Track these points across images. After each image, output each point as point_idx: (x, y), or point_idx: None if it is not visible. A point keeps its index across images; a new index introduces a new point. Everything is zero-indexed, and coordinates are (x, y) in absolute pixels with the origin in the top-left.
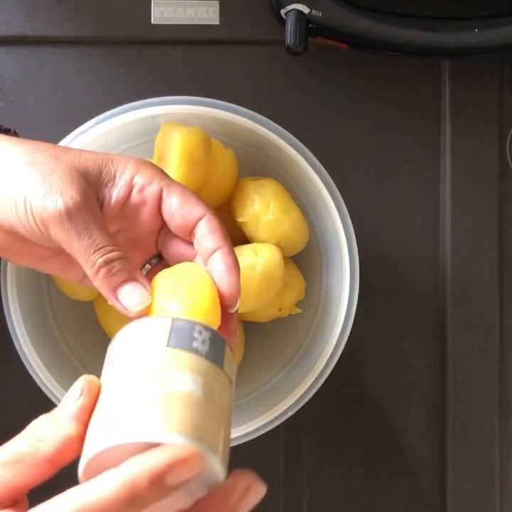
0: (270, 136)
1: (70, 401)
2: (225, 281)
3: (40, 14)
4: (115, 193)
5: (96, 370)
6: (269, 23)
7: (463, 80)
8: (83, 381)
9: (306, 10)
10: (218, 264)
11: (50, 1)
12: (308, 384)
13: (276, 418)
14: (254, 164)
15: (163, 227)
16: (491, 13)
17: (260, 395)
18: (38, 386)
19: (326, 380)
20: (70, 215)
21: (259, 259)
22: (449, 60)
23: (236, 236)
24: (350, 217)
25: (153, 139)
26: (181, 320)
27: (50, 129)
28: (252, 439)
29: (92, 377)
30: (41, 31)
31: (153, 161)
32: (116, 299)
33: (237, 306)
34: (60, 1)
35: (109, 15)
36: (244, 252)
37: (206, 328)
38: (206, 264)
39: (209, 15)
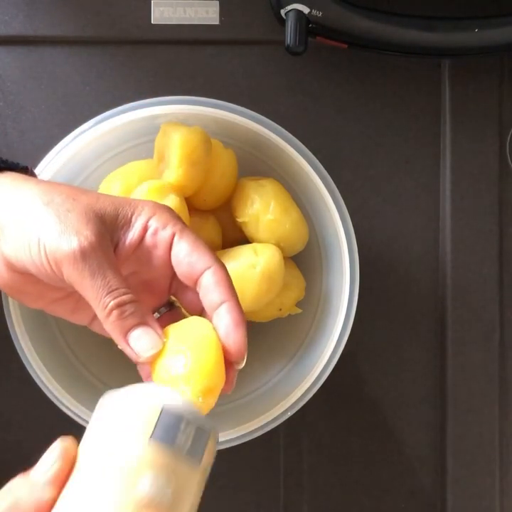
0: (270, 136)
1: (45, 465)
2: (231, 338)
3: (40, 14)
4: (130, 235)
5: (96, 369)
6: (269, 23)
7: (463, 80)
8: (59, 447)
9: (306, 10)
10: (224, 319)
11: (50, 1)
12: (308, 384)
13: (276, 418)
14: (254, 164)
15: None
16: (491, 13)
17: (260, 395)
18: (38, 386)
19: (326, 380)
20: (84, 255)
21: (259, 259)
22: (449, 60)
23: (236, 236)
24: (350, 217)
25: (153, 139)
26: (171, 408)
27: (50, 129)
28: (252, 439)
29: (68, 443)
30: (41, 31)
31: (153, 161)
32: (127, 343)
33: (244, 362)
34: (60, 1)
35: (109, 15)
36: (244, 252)
37: (195, 418)
38: (212, 318)
39: (209, 15)
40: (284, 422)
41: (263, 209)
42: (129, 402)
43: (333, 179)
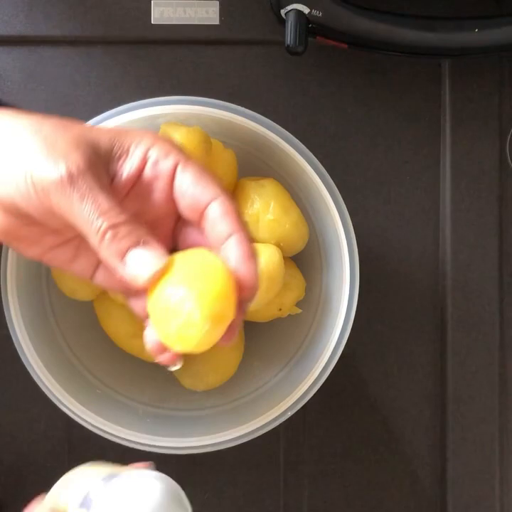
0: (270, 136)
1: None
2: (242, 270)
3: (40, 14)
4: (127, 166)
5: (96, 369)
6: (269, 23)
7: (463, 80)
8: None
9: (306, 10)
10: (233, 252)
11: (50, 1)
12: (308, 384)
13: (276, 418)
14: (254, 164)
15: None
16: (491, 13)
17: (260, 395)
18: (37, 386)
19: (326, 380)
20: (72, 179)
21: (259, 259)
22: (449, 60)
23: None
24: (350, 217)
25: None
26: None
27: None
28: (252, 439)
29: None
30: (41, 31)
31: None
32: (124, 267)
33: (255, 300)
34: (60, 1)
35: (109, 15)
36: None
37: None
38: (220, 252)
39: (209, 15)
40: (284, 422)
41: (263, 209)
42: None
43: (333, 179)
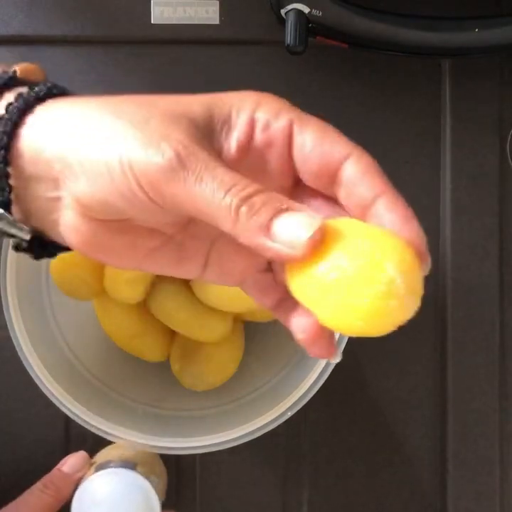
0: None
1: None
2: (407, 231)
3: (40, 14)
4: (234, 137)
5: (96, 369)
6: (269, 23)
7: (463, 80)
8: None
9: (306, 10)
10: (386, 216)
11: (50, 1)
12: (308, 384)
13: (276, 418)
14: None
15: (298, 183)
16: (491, 13)
17: (260, 395)
18: (37, 386)
19: (326, 380)
20: (182, 161)
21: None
22: (449, 60)
23: None
24: None
25: None
26: None
27: None
28: (252, 439)
29: None
30: (41, 31)
31: None
32: (272, 239)
33: (429, 266)
34: (60, 1)
35: (109, 15)
36: None
37: None
38: (366, 221)
39: (209, 15)
40: (284, 422)
41: None
42: None
43: None
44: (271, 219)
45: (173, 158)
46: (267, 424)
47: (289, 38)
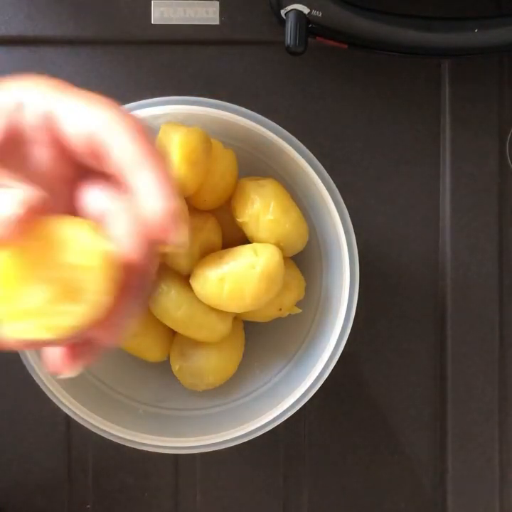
0: (270, 136)
1: None
2: (150, 200)
3: (40, 14)
4: None
5: (96, 370)
6: (269, 23)
7: (463, 80)
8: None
9: (306, 10)
10: (137, 180)
11: (50, 1)
12: (308, 384)
13: (276, 418)
14: (254, 164)
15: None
16: (491, 13)
17: (260, 395)
18: (38, 387)
19: (326, 380)
20: None
21: (259, 259)
22: (449, 60)
23: (236, 236)
24: (350, 217)
25: None
26: None
27: None
28: (252, 439)
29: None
30: (41, 31)
31: None
32: None
33: (181, 240)
34: (60, 1)
35: (109, 15)
36: (244, 252)
37: None
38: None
39: (209, 15)
40: (284, 422)
41: (263, 209)
42: None
43: (333, 179)
44: None
45: None
46: (267, 424)
47: (289, 38)
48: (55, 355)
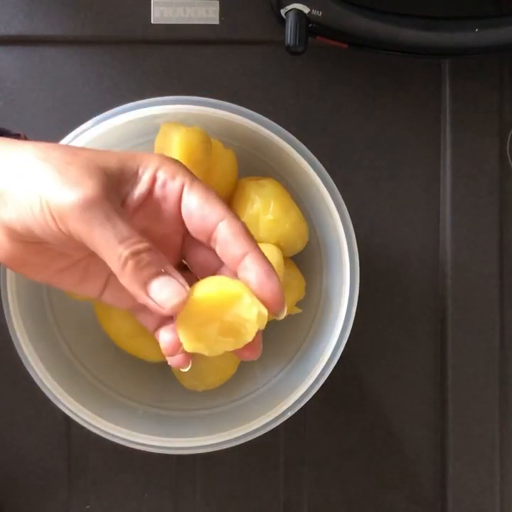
0: (270, 136)
1: None
2: (266, 288)
3: (40, 14)
4: (138, 189)
5: (96, 369)
6: (269, 23)
7: (463, 80)
8: None
9: (306, 10)
10: (252, 271)
11: (50, 1)
12: (309, 384)
13: (276, 418)
14: (254, 164)
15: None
16: (491, 13)
17: (260, 395)
18: (38, 387)
19: (326, 380)
20: (90, 204)
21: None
22: (449, 60)
23: None
24: (350, 217)
25: (153, 139)
26: None
27: (50, 129)
28: (252, 439)
29: None
30: (41, 31)
31: None
32: (147, 294)
33: (285, 312)
34: (60, 1)
35: (109, 15)
36: None
37: None
38: (238, 273)
39: (209, 15)
40: (284, 422)
41: (263, 209)
42: None
43: (333, 179)
44: (150, 278)
45: (82, 200)
46: (267, 424)
47: (289, 38)
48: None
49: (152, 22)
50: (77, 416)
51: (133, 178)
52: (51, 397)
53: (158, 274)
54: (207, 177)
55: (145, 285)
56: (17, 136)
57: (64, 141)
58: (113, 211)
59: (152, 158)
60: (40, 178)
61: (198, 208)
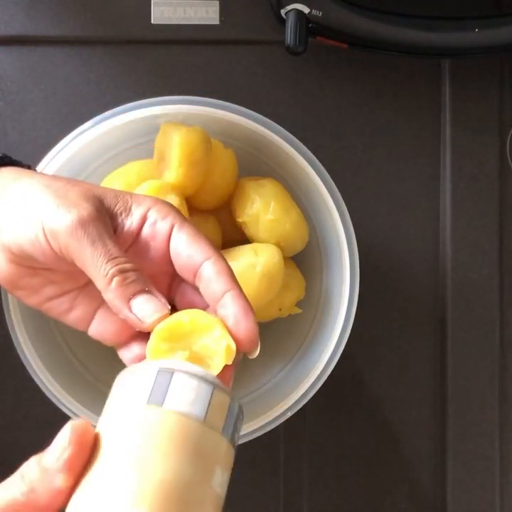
0: (270, 136)
1: (57, 450)
2: (242, 325)
3: (40, 14)
4: (128, 222)
5: (95, 369)
6: (269, 23)
7: (463, 80)
8: (69, 430)
9: (306, 10)
10: (230, 308)
11: (50, 1)
12: (308, 384)
13: (276, 418)
14: (254, 164)
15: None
16: (491, 13)
17: (260, 395)
18: (37, 386)
19: (326, 380)
20: (83, 224)
21: (259, 259)
22: (449, 60)
23: (236, 236)
24: (350, 217)
25: (153, 139)
26: (165, 369)
27: (50, 129)
28: (252, 439)
29: (79, 425)
30: (41, 31)
31: (154, 161)
32: (130, 309)
33: (258, 351)
34: (60, 1)
35: (109, 15)
36: (244, 252)
37: (191, 374)
38: (217, 310)
39: (209, 15)
40: (284, 422)
41: (263, 209)
42: (131, 373)
43: (333, 179)
44: (135, 294)
45: (75, 219)
46: (266, 424)
47: (289, 38)
48: None
49: (152, 22)
50: (77, 416)
51: (126, 211)
52: (51, 397)
53: (142, 291)
54: (207, 177)
55: (128, 301)
56: (28, 168)
57: (64, 142)
58: (105, 232)
59: (147, 198)
60: (40, 203)
61: (185, 247)
